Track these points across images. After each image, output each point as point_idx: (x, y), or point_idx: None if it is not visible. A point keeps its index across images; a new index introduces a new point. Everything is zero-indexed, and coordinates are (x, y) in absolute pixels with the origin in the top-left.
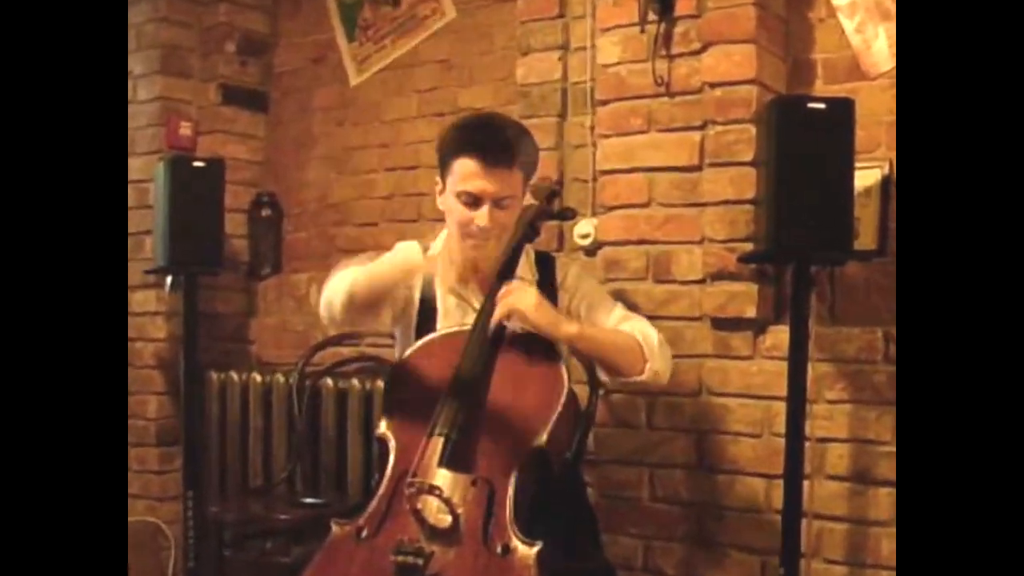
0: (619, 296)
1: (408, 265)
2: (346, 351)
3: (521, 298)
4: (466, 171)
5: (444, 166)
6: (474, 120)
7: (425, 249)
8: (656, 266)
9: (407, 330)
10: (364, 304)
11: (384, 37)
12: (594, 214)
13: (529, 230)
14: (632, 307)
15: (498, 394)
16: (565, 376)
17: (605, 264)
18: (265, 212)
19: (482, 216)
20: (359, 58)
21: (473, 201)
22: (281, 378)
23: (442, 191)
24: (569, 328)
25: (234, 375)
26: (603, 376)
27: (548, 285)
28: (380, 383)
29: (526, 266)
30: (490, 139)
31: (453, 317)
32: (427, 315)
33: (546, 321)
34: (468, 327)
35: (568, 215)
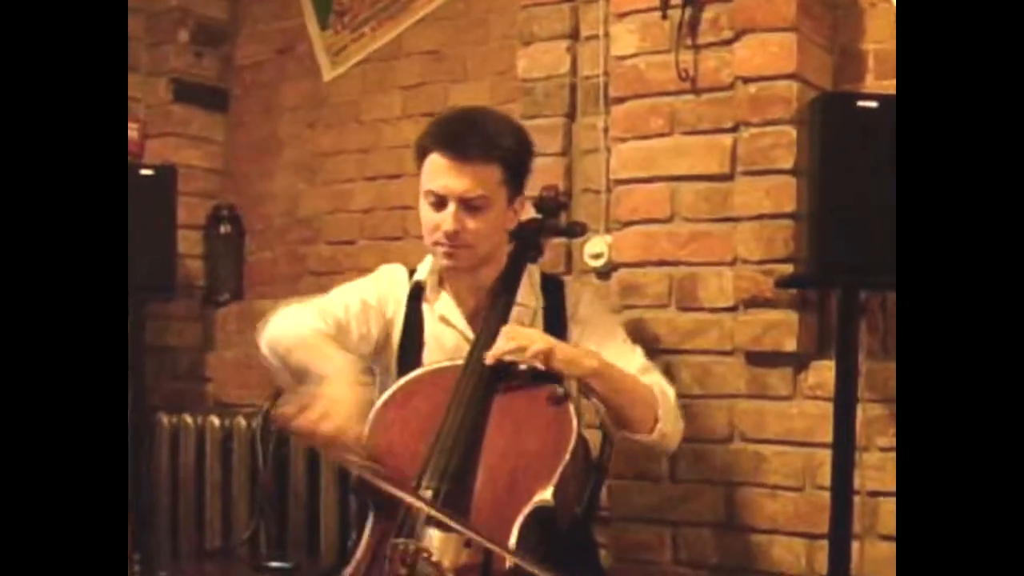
0: (637, 328)
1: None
2: None
3: (534, 336)
4: (431, 168)
5: (420, 170)
6: (449, 113)
7: (411, 272)
8: (680, 291)
9: (387, 365)
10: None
11: (363, 24)
12: (608, 231)
13: (529, 244)
14: (653, 340)
15: (496, 440)
16: (574, 419)
17: (621, 289)
18: (224, 228)
19: (446, 218)
20: (334, 49)
21: (438, 202)
22: (243, 422)
23: None
24: (590, 361)
25: (188, 418)
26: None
27: (556, 314)
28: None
29: (529, 290)
30: (459, 129)
31: (444, 349)
32: (412, 347)
33: (565, 362)
34: (460, 361)
35: (576, 231)
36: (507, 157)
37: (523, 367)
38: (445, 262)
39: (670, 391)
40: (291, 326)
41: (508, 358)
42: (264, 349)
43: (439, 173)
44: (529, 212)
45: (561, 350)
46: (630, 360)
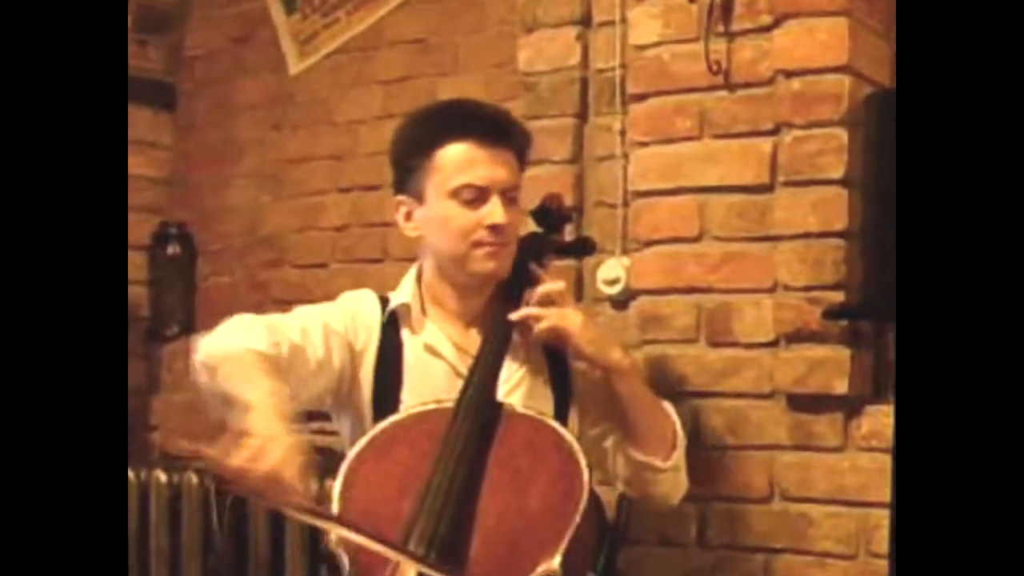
0: (660, 366)
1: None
2: None
3: (566, 314)
4: (461, 159)
5: (415, 171)
6: (442, 104)
7: (384, 300)
8: (711, 323)
9: (357, 408)
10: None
11: (336, 8)
12: (625, 251)
13: (530, 266)
14: (678, 381)
15: (494, 498)
16: (585, 471)
17: (641, 320)
18: (172, 249)
19: (495, 211)
20: (302, 37)
21: (476, 197)
22: (194, 478)
23: (411, 212)
24: (620, 358)
25: (130, 474)
26: (619, 448)
27: (558, 350)
28: (332, 484)
29: None
30: (483, 114)
31: (431, 385)
32: (388, 385)
33: (593, 340)
34: (448, 403)
35: (584, 248)
36: (521, 145)
37: (522, 409)
38: (490, 264)
39: (682, 430)
40: (228, 340)
41: (533, 323)
42: (196, 366)
43: (474, 163)
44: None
45: (590, 328)
46: None
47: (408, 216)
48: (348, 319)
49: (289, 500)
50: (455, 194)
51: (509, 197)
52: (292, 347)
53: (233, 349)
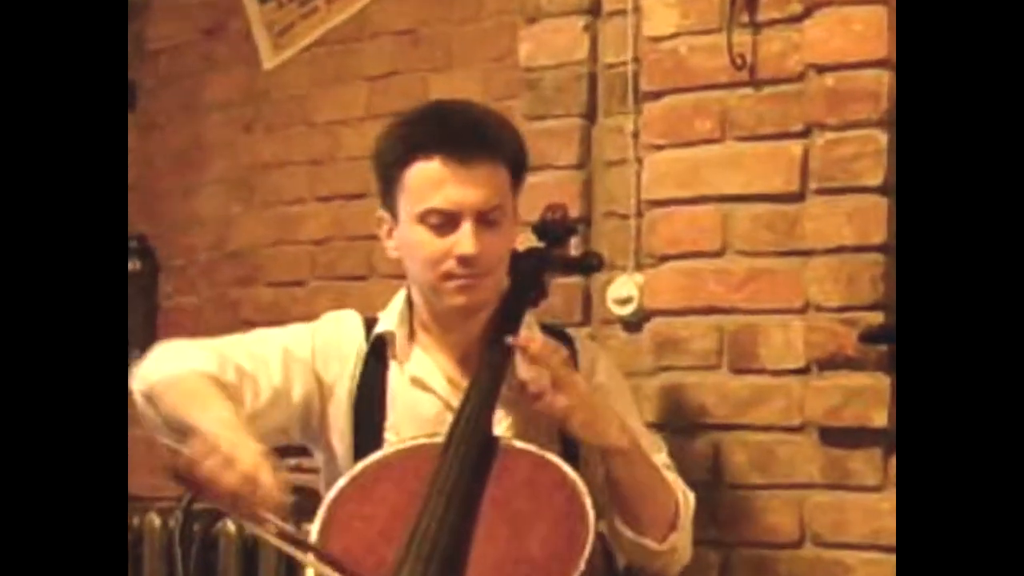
0: (676, 396)
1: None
2: None
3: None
4: (427, 180)
5: (390, 187)
6: (422, 109)
7: (370, 322)
8: (734, 348)
9: (336, 449)
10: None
11: None
12: (638, 267)
13: (528, 282)
14: (697, 412)
15: (488, 543)
16: (590, 513)
17: (655, 345)
18: (132, 264)
19: (464, 240)
20: (277, 27)
21: (445, 222)
22: (156, 520)
23: (392, 230)
24: (619, 439)
25: None
26: (607, 524)
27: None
28: (309, 527)
29: None
30: (454, 124)
31: (420, 420)
32: (370, 420)
33: (585, 426)
34: (439, 439)
35: (592, 264)
36: (512, 154)
37: (521, 444)
38: (459, 300)
39: (690, 496)
40: (168, 364)
41: (534, 353)
42: (135, 394)
43: (441, 185)
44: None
45: (590, 407)
46: (657, 451)
47: (389, 233)
48: (319, 345)
49: (267, 515)
50: (422, 219)
51: (489, 220)
52: (240, 373)
53: (177, 373)
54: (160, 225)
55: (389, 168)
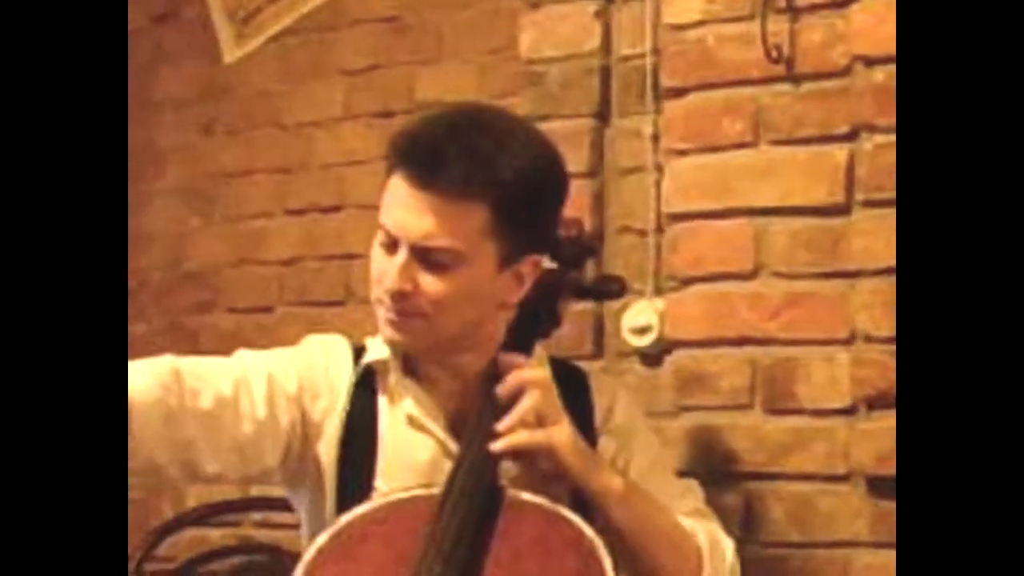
0: (702, 439)
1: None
2: (216, 534)
3: (556, 418)
4: (392, 193)
5: None
6: (439, 112)
7: (359, 350)
8: (769, 385)
9: (322, 495)
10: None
11: None
12: (658, 291)
13: (539, 311)
14: (727, 458)
15: None
16: (610, 573)
17: (679, 381)
18: None
19: (390, 269)
20: (241, 14)
21: (390, 244)
22: None
23: None
24: (610, 480)
25: None
26: None
27: (578, 421)
28: None
29: None
30: (436, 139)
31: (413, 466)
32: (359, 463)
33: (580, 462)
34: (434, 490)
35: (612, 290)
36: (504, 194)
37: (530, 497)
38: (387, 332)
39: (728, 545)
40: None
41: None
42: None
43: (395, 202)
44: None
45: (573, 446)
46: (682, 498)
47: None
48: (306, 375)
49: None
50: (378, 233)
51: (432, 260)
52: (218, 399)
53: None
54: None
55: (386, 173)
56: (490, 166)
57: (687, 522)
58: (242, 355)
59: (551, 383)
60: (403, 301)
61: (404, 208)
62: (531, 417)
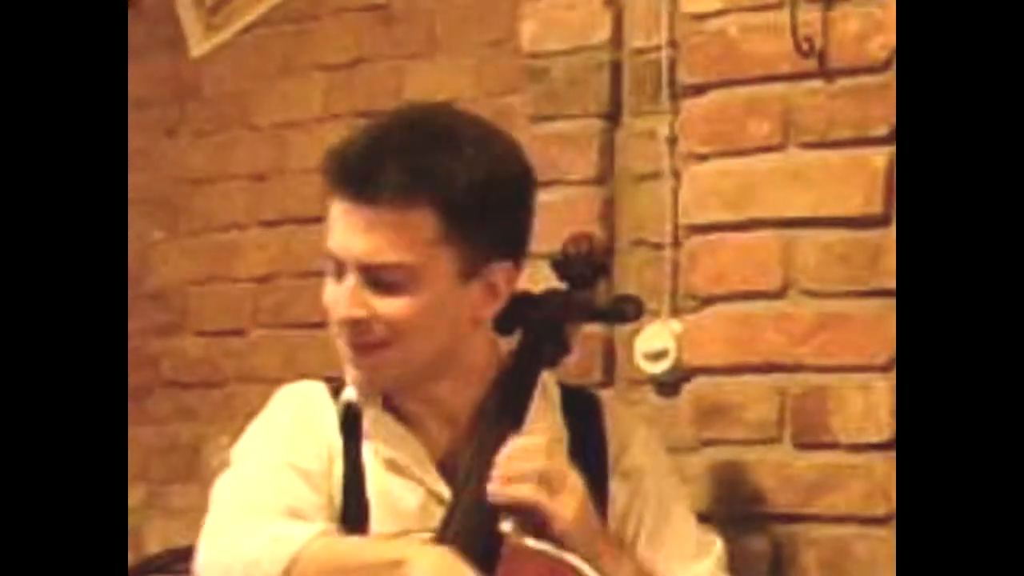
0: (725, 476)
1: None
2: None
3: (562, 483)
4: (332, 214)
5: None
6: (366, 124)
7: (336, 391)
8: (800, 416)
9: None
10: None
11: None
12: (675, 312)
13: (544, 336)
14: (752, 498)
15: None
16: None
17: (698, 412)
18: None
19: (341, 297)
20: (208, 4)
21: (337, 271)
22: None
23: None
24: (616, 567)
25: None
26: None
27: (589, 458)
28: None
29: (543, 415)
30: (370, 149)
31: (398, 514)
32: (355, 516)
33: (586, 542)
34: (425, 534)
35: (627, 312)
36: (450, 197)
37: (532, 543)
38: (352, 374)
39: None
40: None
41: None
42: None
43: (336, 224)
44: (547, 278)
45: (581, 524)
46: (697, 559)
47: None
48: (306, 440)
49: None
50: (325, 264)
51: (382, 280)
52: (316, 509)
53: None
54: None
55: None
56: (430, 168)
57: None
58: (245, 464)
59: (557, 444)
60: (359, 331)
61: (344, 228)
62: (534, 479)
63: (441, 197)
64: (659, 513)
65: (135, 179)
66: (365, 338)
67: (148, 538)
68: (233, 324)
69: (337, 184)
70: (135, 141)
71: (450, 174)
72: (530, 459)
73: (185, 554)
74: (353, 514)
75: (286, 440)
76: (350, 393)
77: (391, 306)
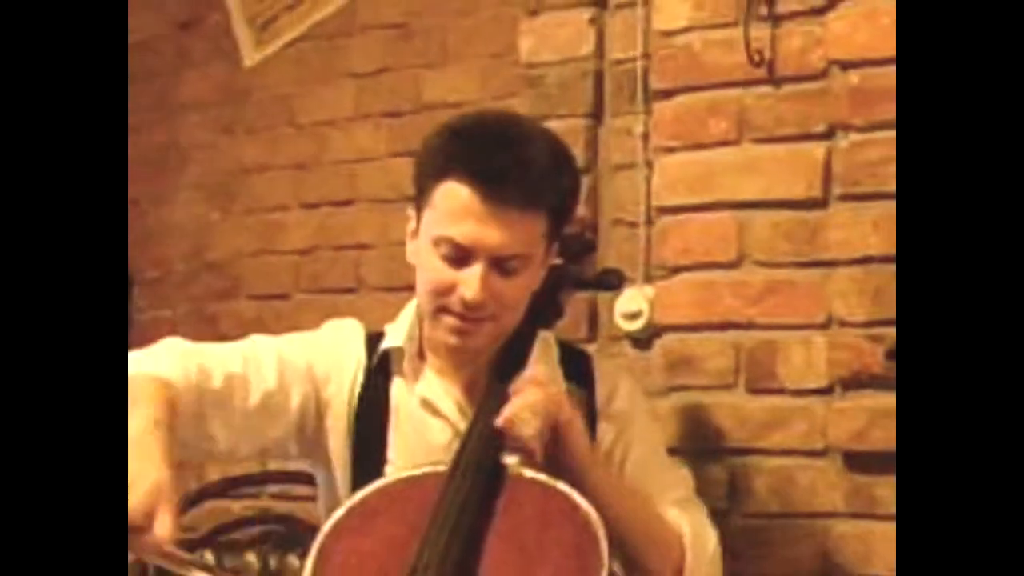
0: (689, 418)
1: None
2: (237, 507)
3: (557, 398)
4: (454, 204)
5: (422, 194)
6: (480, 121)
7: (375, 337)
8: (752, 367)
9: (335, 470)
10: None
11: None
12: (648, 280)
13: (545, 302)
14: (712, 436)
15: None
16: (604, 546)
17: (668, 363)
18: None
19: (470, 281)
20: (259, 21)
21: (459, 256)
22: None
23: (415, 233)
24: (606, 474)
25: None
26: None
27: (582, 404)
28: (295, 561)
29: (544, 368)
30: (503, 154)
31: (428, 447)
32: (371, 444)
33: (585, 448)
34: (442, 467)
35: (611, 282)
36: (558, 202)
37: (530, 473)
38: (451, 339)
39: (711, 537)
40: (138, 364)
41: (509, 458)
42: None
43: (464, 216)
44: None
45: (581, 430)
46: (673, 488)
47: (413, 234)
48: (316, 354)
49: (164, 554)
50: (436, 244)
51: (505, 267)
52: (227, 377)
53: (135, 373)
54: (133, 234)
55: (425, 175)
56: (552, 183)
57: (674, 512)
58: (253, 339)
59: (559, 390)
60: (476, 309)
61: (477, 222)
62: (540, 407)
63: (551, 206)
64: (639, 454)
65: (196, 169)
66: (480, 313)
67: (209, 468)
68: (279, 290)
69: (475, 178)
70: (198, 137)
71: (558, 187)
72: (534, 395)
73: (240, 481)
74: (368, 443)
75: (291, 342)
76: (389, 342)
77: (508, 288)
